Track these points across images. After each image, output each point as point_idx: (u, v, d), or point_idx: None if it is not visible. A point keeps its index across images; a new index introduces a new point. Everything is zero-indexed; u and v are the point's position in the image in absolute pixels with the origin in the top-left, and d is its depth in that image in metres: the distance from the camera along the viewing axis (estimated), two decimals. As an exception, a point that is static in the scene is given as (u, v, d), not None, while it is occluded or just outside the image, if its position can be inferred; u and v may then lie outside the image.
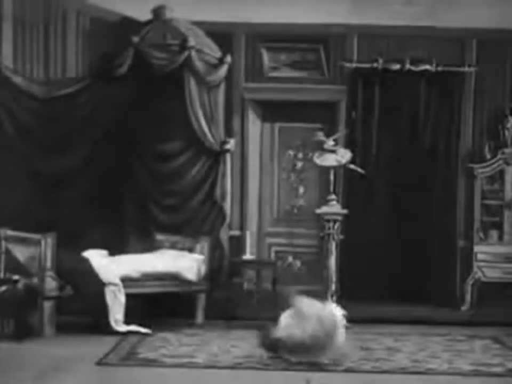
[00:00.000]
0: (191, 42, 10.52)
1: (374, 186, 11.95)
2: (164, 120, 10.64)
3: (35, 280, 9.02)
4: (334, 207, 10.45)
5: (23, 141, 10.43)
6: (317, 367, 7.70)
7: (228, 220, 11.01)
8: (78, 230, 10.19)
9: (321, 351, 7.81)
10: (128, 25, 10.78)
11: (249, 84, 12.23)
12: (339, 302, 10.29)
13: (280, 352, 7.91)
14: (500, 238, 11.84)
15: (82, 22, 11.14)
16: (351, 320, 10.13)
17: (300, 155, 12.60)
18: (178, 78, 10.52)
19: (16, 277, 8.91)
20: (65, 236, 9.28)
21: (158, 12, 10.60)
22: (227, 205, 10.99)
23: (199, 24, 10.83)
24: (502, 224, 11.84)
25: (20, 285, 8.88)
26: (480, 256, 11.66)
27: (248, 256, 10.61)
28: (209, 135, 10.78)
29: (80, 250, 9.58)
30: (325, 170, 10.76)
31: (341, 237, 10.40)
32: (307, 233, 12.27)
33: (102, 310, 9.29)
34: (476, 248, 11.68)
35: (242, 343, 8.95)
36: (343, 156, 10.59)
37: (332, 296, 10.27)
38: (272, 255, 12.39)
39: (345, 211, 10.49)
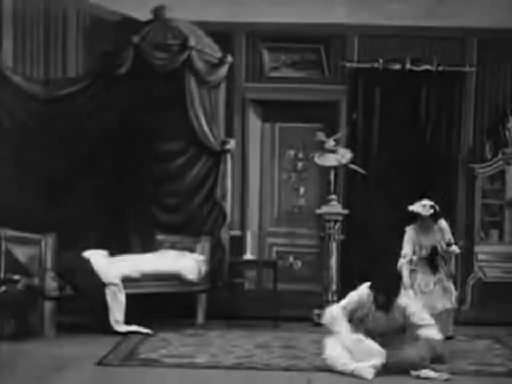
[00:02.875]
0: (192, 42, 10.51)
1: (374, 186, 11.94)
2: (164, 120, 10.63)
3: (35, 280, 9.01)
4: (334, 207, 10.46)
5: (23, 141, 10.42)
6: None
7: (228, 219, 11.00)
8: (78, 230, 10.19)
9: None
10: (128, 25, 10.78)
11: (250, 84, 12.25)
12: (339, 302, 10.33)
13: None
14: (501, 237, 11.85)
15: (82, 22, 11.15)
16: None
17: (301, 155, 12.60)
18: (178, 78, 10.51)
19: (16, 277, 8.91)
20: (66, 236, 9.29)
21: (158, 12, 10.59)
22: (228, 205, 10.98)
23: (200, 24, 10.81)
24: (502, 223, 11.85)
25: (20, 285, 8.88)
26: (480, 256, 11.67)
27: (248, 256, 10.60)
28: (209, 135, 10.77)
29: (80, 250, 9.58)
30: (325, 170, 10.77)
31: (342, 237, 10.41)
32: (308, 233, 12.28)
33: (103, 310, 9.29)
34: (477, 248, 11.70)
35: (243, 343, 8.96)
36: (344, 155, 10.59)
37: (332, 296, 10.29)
38: (273, 255, 12.40)
39: (345, 211, 10.49)
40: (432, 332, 7.76)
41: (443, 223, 9.24)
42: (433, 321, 7.83)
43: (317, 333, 9.59)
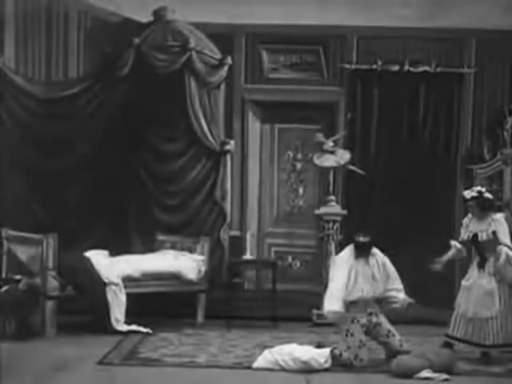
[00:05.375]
0: (192, 43, 10.57)
1: (373, 187, 11.98)
2: (165, 121, 10.68)
3: (37, 280, 9.05)
4: (333, 208, 10.50)
5: (25, 141, 10.48)
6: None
7: (228, 220, 11.05)
8: (79, 230, 10.25)
9: None
10: (129, 26, 10.84)
11: (249, 85, 12.27)
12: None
13: None
14: (499, 238, 11.84)
15: (83, 23, 11.18)
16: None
17: (299, 156, 12.63)
18: (179, 79, 10.57)
19: (18, 277, 8.93)
20: (67, 236, 9.33)
21: (159, 13, 10.65)
22: (227, 205, 11.03)
23: (200, 25, 10.87)
24: (501, 224, 11.84)
25: (21, 285, 8.91)
26: (479, 257, 11.67)
27: (248, 256, 10.64)
28: (209, 136, 10.82)
29: (81, 250, 9.62)
30: (324, 171, 10.82)
31: (340, 237, 10.45)
32: (307, 233, 12.30)
33: (103, 309, 9.33)
34: (475, 249, 11.69)
35: (242, 342, 9.00)
36: (342, 156, 10.63)
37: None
38: (272, 255, 12.43)
39: (344, 212, 10.53)
40: None
41: (497, 216, 8.59)
42: None
43: (316, 333, 9.67)
